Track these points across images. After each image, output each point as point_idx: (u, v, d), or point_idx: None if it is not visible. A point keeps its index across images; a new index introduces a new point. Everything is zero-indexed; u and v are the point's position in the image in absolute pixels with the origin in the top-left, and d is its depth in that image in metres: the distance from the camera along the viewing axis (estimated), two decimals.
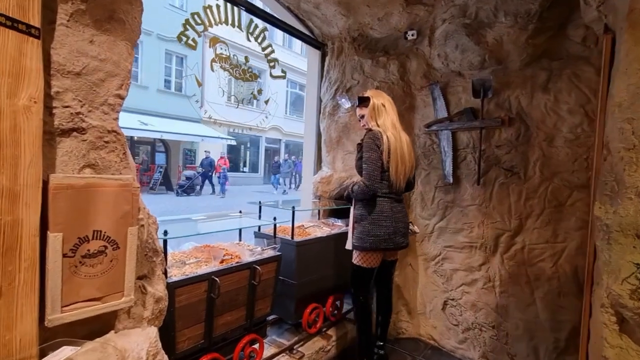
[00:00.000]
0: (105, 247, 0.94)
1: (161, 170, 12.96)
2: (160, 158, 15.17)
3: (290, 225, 2.14)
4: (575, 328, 1.91)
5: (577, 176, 1.92)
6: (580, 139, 1.91)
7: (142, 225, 1.11)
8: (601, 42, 1.52)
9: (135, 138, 14.01)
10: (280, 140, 19.35)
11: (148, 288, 1.14)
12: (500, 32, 2.03)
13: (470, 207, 2.33)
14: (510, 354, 2.18)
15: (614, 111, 1.03)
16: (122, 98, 1.06)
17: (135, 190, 1.04)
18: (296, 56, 17.13)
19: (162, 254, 1.23)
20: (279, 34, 17.28)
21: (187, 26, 2.08)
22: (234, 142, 15.48)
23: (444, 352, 2.44)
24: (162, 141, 14.84)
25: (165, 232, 1.44)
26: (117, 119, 1.05)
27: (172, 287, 1.42)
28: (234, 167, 17.78)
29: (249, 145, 18.74)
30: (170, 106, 12.85)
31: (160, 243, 1.33)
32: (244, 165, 18.61)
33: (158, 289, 1.18)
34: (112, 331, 1.01)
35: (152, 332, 1.06)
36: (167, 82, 14.01)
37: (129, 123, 11.80)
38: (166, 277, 1.44)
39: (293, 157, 17.27)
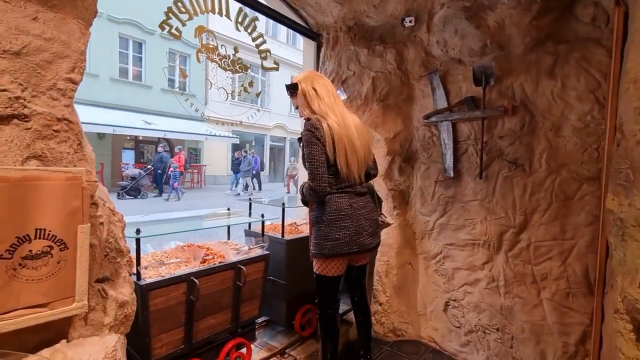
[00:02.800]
0: (51, 247, 0.85)
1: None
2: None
3: (281, 223, 2.03)
4: (585, 332, 1.77)
5: (587, 168, 1.77)
6: (590, 127, 1.76)
7: (102, 223, 1.01)
8: (612, 19, 1.38)
9: (141, 137, 14.09)
10: (285, 138, 19.27)
11: (110, 292, 1.04)
12: (502, 15, 1.89)
13: (472, 202, 2.19)
14: (516, 358, 2.05)
15: (629, 89, 0.90)
16: (75, 83, 0.96)
17: (90, 184, 0.94)
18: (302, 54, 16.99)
19: (129, 254, 1.13)
20: (282, 32, 17.17)
21: (170, 14, 1.98)
22: (237, 141, 15.43)
23: (445, 356, 2.32)
24: (167, 140, 14.87)
25: (138, 231, 1.34)
26: (69, 105, 0.95)
27: (146, 290, 1.33)
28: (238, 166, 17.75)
29: (253, 144, 18.69)
30: (174, 105, 12.80)
31: (131, 243, 1.24)
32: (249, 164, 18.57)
33: (123, 292, 1.08)
34: (64, 340, 0.92)
35: (111, 340, 0.96)
36: (171, 81, 14.01)
37: (133, 122, 11.86)
38: (139, 278, 1.35)
39: (251, 152, 14.33)
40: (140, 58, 13.13)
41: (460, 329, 2.28)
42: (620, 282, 0.90)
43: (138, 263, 1.35)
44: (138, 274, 1.35)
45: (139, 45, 12.99)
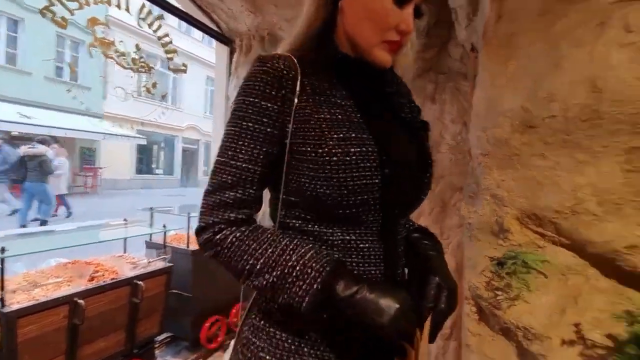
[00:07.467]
0: None
1: None
2: None
3: (186, 233, 1.95)
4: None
5: (457, 180, 2.14)
6: (460, 146, 2.13)
7: None
8: (469, 62, 1.71)
9: (16, 133, 11.68)
10: (198, 140, 18.21)
11: None
12: None
13: None
14: None
15: (473, 120, 1.14)
16: None
17: None
18: None
19: None
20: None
21: (54, 0, 1.75)
22: (144, 142, 14.02)
23: None
24: (54, 138, 12.65)
25: (3, 250, 1.15)
26: None
27: (12, 317, 1.15)
28: (144, 169, 16.16)
29: (162, 146, 17.21)
30: (63, 98, 10.99)
31: None
32: (157, 167, 17.03)
33: None
34: None
35: None
36: (59, 69, 12.03)
37: (4, 115, 9.84)
38: (3, 305, 1.16)
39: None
40: (15, 38, 10.99)
41: None
42: (467, 274, 1.13)
43: (1, 287, 1.16)
44: (2, 300, 1.16)
45: (14, 23, 10.87)
